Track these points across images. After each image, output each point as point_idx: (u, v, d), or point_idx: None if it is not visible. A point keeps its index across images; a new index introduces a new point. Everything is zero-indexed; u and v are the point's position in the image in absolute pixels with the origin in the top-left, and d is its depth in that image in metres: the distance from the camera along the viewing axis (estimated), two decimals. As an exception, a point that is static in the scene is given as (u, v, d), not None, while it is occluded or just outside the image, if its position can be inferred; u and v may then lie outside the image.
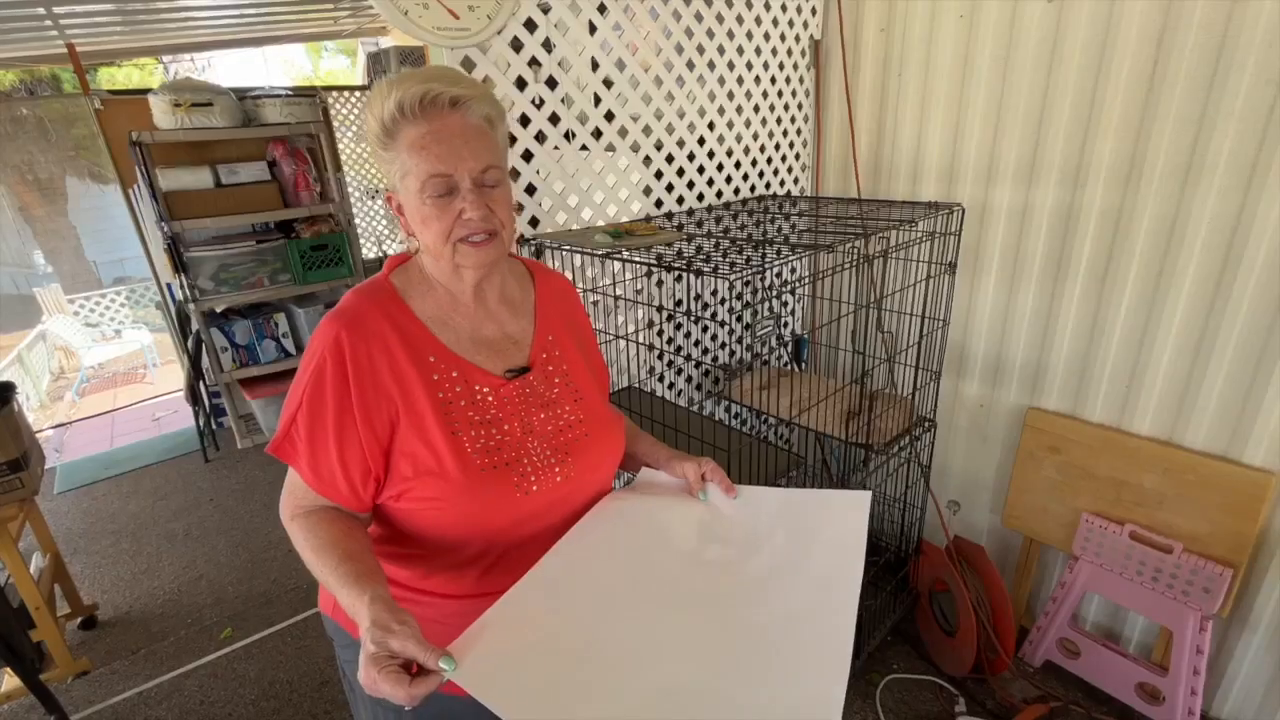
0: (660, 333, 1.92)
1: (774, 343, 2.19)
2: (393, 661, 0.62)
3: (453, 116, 0.76)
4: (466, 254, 0.80)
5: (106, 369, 5.34)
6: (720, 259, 1.28)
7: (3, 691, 1.94)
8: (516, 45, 1.42)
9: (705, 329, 2.03)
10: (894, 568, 2.02)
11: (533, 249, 1.52)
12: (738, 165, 1.98)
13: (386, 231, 5.27)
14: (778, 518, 0.92)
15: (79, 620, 2.32)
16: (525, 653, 0.69)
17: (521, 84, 1.45)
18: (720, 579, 0.83)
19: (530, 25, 1.42)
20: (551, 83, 1.50)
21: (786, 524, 0.91)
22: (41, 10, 2.98)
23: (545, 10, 1.44)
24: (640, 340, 1.83)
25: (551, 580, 0.79)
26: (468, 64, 1.36)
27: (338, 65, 10.84)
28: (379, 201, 5.22)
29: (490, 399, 0.84)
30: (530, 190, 1.53)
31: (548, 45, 1.46)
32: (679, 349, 1.98)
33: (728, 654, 0.71)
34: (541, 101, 1.49)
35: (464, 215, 0.77)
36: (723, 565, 0.85)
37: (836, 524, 0.90)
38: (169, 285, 3.61)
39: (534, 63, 1.46)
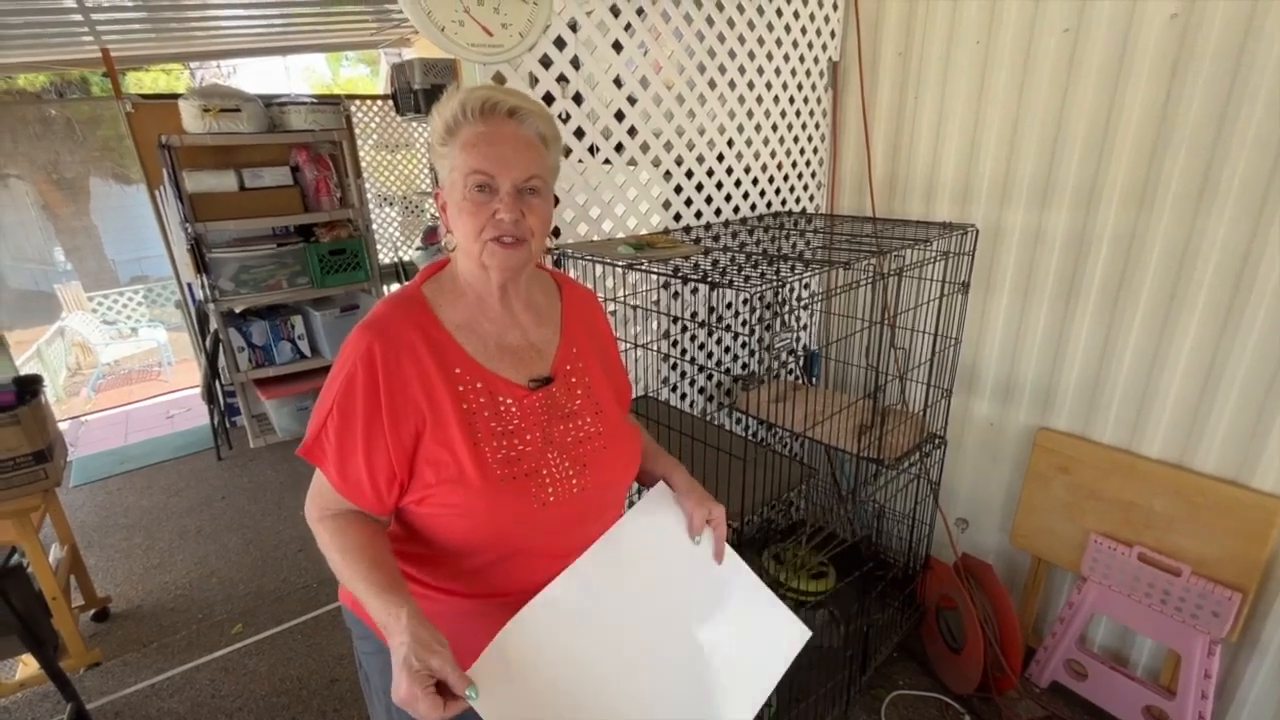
0: (675, 344, 1.95)
1: (785, 356, 2.21)
2: (431, 680, 0.66)
3: (508, 124, 0.81)
4: (493, 253, 0.83)
5: (122, 366, 5.41)
6: (736, 273, 1.31)
7: (18, 679, 1.97)
8: (546, 62, 1.47)
9: (719, 341, 2.07)
10: (901, 583, 2.03)
11: (554, 258, 1.55)
12: (755, 182, 2.02)
13: (401, 238, 5.34)
14: (743, 599, 1.00)
15: (92, 612, 2.36)
16: (534, 690, 0.76)
17: (549, 99, 1.49)
18: (687, 636, 0.92)
19: (560, 43, 1.47)
20: (578, 98, 1.55)
21: (743, 609, 0.99)
22: (79, 16, 3.07)
23: (574, 29, 1.49)
24: (656, 350, 1.87)
25: (557, 610, 0.83)
26: (499, 79, 1.41)
27: (357, 74, 11.02)
28: (395, 208, 5.30)
29: (514, 409, 0.87)
30: (554, 201, 1.57)
31: (576, 63, 1.51)
32: (692, 360, 2.01)
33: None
34: (568, 116, 1.54)
35: (497, 216, 0.81)
36: (691, 620, 0.94)
37: (777, 636, 1.01)
38: (189, 285, 3.67)
39: (562, 79, 1.50)
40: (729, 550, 0.99)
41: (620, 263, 1.42)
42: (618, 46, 1.57)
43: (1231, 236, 1.46)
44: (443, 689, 0.66)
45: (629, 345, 1.74)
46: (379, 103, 4.87)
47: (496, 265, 0.84)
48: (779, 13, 1.87)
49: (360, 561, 0.78)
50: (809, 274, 1.37)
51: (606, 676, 0.82)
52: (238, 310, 3.50)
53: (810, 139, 2.13)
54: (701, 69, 1.75)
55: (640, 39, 1.61)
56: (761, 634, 0.99)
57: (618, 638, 0.85)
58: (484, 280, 0.87)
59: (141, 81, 7.99)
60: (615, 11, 1.55)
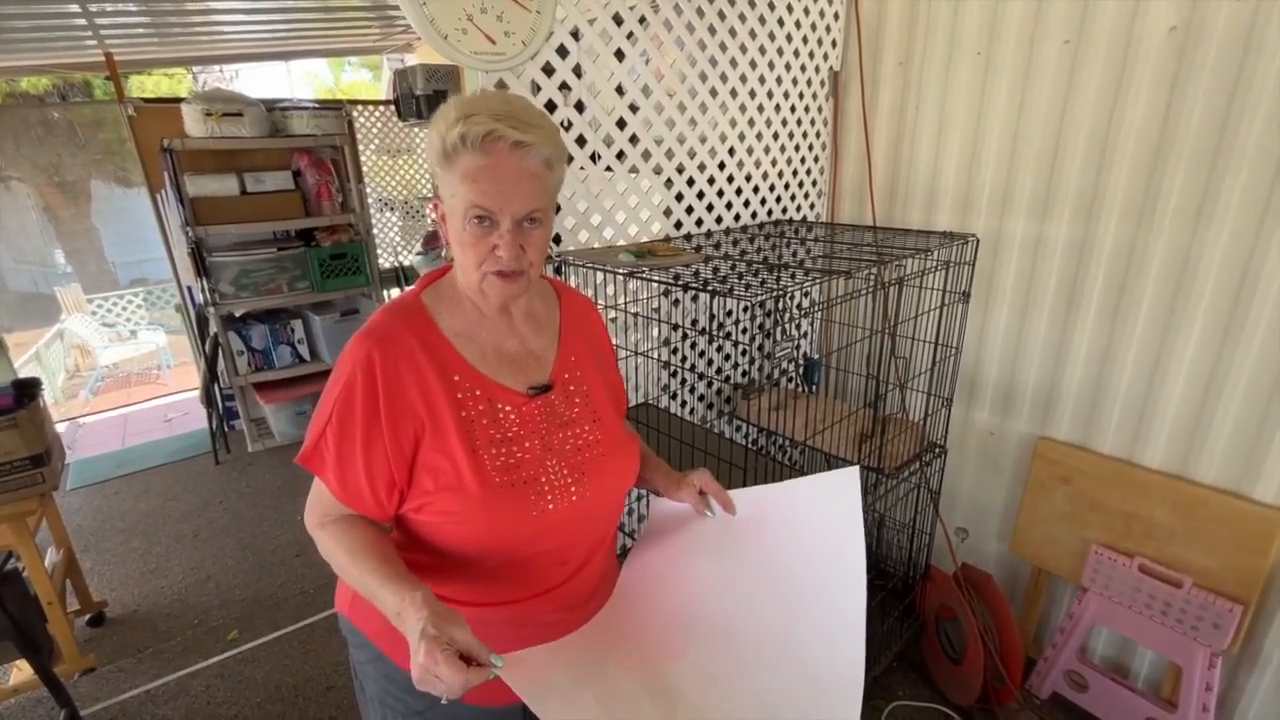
0: (675, 351, 1.95)
1: (785, 364, 2.21)
2: (451, 648, 0.65)
3: (511, 158, 0.77)
4: (492, 284, 0.83)
5: (121, 369, 5.40)
6: (737, 281, 1.32)
7: (12, 685, 1.96)
8: (549, 70, 1.47)
9: (720, 349, 2.06)
10: (901, 593, 2.02)
11: (556, 265, 1.55)
12: (756, 190, 2.02)
13: (401, 243, 5.35)
14: (779, 515, 0.97)
15: (88, 617, 2.34)
16: (568, 668, 0.75)
17: (551, 107, 1.50)
18: (743, 603, 0.89)
19: (562, 51, 1.48)
20: (580, 106, 1.55)
21: (788, 519, 0.96)
22: (82, 21, 3.08)
23: (577, 37, 1.50)
24: (657, 357, 1.86)
25: (597, 631, 0.85)
26: (501, 86, 1.41)
27: (359, 79, 11.06)
28: (395, 213, 5.31)
29: (512, 417, 0.87)
30: (555, 209, 1.57)
31: (578, 71, 1.52)
32: (692, 367, 2.01)
33: (751, 684, 0.80)
34: (570, 124, 1.54)
35: (496, 251, 0.80)
36: (744, 586, 0.91)
37: (832, 506, 0.94)
38: (189, 288, 3.67)
39: (564, 87, 1.51)
40: (737, 492, 0.99)
41: (621, 270, 1.42)
42: (620, 55, 1.58)
43: (1232, 249, 1.47)
44: (464, 661, 0.66)
45: (630, 352, 1.74)
46: (381, 108, 4.89)
47: (496, 294, 0.85)
48: (780, 22, 1.87)
49: (369, 558, 0.77)
50: (809, 282, 1.37)
51: (662, 676, 0.79)
52: (237, 314, 3.50)
53: (811, 148, 2.14)
54: (703, 77, 1.76)
55: (642, 47, 1.61)
56: (817, 517, 0.95)
57: (672, 648, 0.84)
58: (483, 299, 0.88)
59: (144, 85, 8.02)
60: (618, 20, 1.55)
